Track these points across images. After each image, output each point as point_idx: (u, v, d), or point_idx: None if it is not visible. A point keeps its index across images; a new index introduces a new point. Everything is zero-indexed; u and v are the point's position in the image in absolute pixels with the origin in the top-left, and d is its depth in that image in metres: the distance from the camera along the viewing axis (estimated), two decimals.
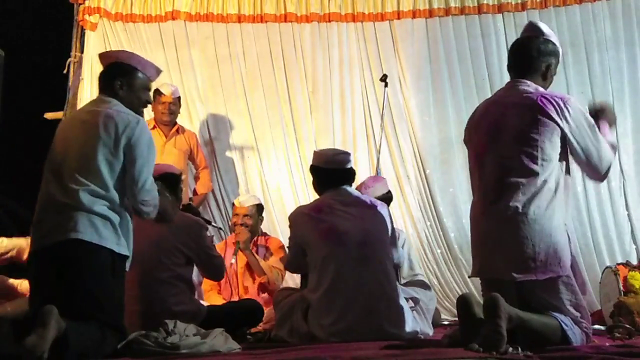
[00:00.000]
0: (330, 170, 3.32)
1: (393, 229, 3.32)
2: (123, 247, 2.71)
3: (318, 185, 3.40)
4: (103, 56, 3.02)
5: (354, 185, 3.53)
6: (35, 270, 2.66)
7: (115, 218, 2.67)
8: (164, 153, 4.65)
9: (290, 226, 3.35)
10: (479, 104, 5.57)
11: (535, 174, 2.57)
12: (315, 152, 3.51)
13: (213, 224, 4.40)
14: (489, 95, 5.42)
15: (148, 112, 4.84)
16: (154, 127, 4.79)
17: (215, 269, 3.46)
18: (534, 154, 2.57)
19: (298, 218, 3.29)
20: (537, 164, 2.57)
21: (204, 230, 3.37)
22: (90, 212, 2.60)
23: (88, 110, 2.86)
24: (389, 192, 4.21)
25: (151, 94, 3.03)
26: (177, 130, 4.88)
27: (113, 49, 5.53)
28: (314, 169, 3.40)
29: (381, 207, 3.32)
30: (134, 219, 3.36)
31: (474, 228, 2.74)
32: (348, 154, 3.44)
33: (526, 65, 2.76)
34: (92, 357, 2.45)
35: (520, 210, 2.55)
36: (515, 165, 2.59)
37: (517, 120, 2.62)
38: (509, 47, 5.79)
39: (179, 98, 4.90)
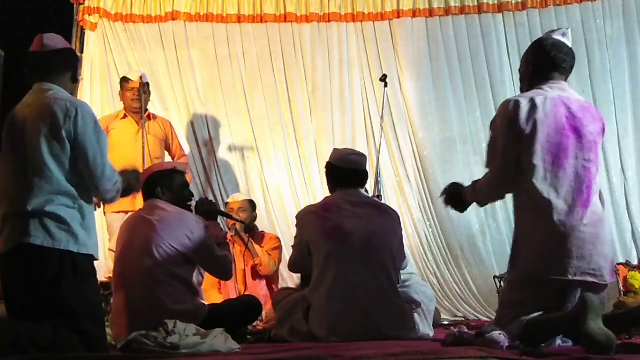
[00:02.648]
0: (341, 169, 3.32)
1: (401, 235, 3.30)
2: (84, 246, 2.61)
3: (329, 183, 3.41)
4: (52, 38, 2.78)
5: None
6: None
7: (72, 216, 2.58)
8: (137, 142, 4.46)
9: (297, 225, 3.34)
10: (479, 103, 5.64)
11: (596, 180, 2.68)
12: (334, 149, 3.52)
13: (235, 216, 4.29)
14: (489, 95, 5.57)
15: (114, 103, 4.82)
16: (124, 117, 4.65)
17: (219, 268, 3.38)
18: (596, 161, 2.69)
19: (306, 216, 3.29)
20: (597, 170, 2.69)
21: (203, 228, 3.26)
22: (42, 215, 2.53)
23: (28, 104, 2.70)
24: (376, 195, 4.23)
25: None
26: (149, 117, 4.69)
27: (113, 49, 5.55)
28: (328, 166, 3.41)
29: (392, 212, 3.31)
30: (128, 220, 3.35)
31: (559, 230, 2.60)
32: (363, 156, 3.43)
33: (570, 73, 2.83)
34: (42, 352, 2.43)
35: (603, 215, 2.66)
36: (593, 170, 2.67)
37: (592, 126, 2.70)
38: (509, 46, 5.78)
39: (147, 84, 4.70)
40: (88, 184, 2.67)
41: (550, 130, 2.64)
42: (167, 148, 4.82)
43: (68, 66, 2.78)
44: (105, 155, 2.70)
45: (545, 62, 2.77)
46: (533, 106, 2.65)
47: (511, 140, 2.66)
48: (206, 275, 4.27)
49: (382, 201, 4.67)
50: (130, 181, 2.91)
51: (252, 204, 4.60)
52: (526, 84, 2.83)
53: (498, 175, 2.72)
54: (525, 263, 2.65)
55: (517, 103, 2.67)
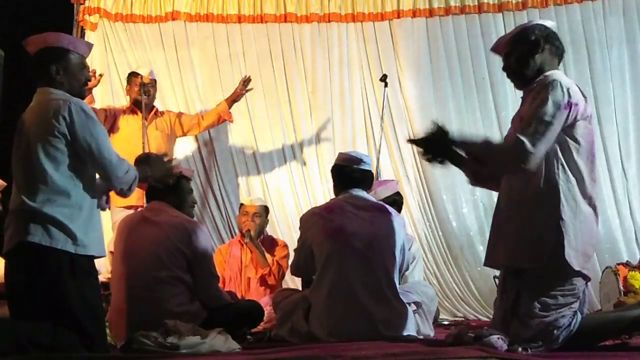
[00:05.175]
0: (341, 167, 3.32)
1: (405, 238, 3.28)
2: (83, 247, 2.59)
3: (334, 186, 3.39)
4: (30, 43, 2.75)
5: None
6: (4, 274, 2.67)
7: (70, 217, 2.57)
8: (144, 136, 4.50)
9: (300, 227, 3.34)
10: (479, 103, 5.64)
11: None
12: (339, 153, 3.51)
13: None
14: (489, 95, 5.58)
15: (114, 103, 4.85)
16: (132, 112, 4.69)
17: (208, 286, 3.26)
18: None
19: (309, 218, 3.29)
20: None
21: (209, 240, 3.32)
22: (41, 216, 2.53)
23: (30, 107, 2.72)
24: (397, 194, 4.10)
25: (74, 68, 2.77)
26: (155, 113, 4.76)
27: (113, 49, 5.55)
28: (332, 168, 3.40)
29: (396, 215, 3.30)
30: (128, 220, 3.35)
31: (596, 223, 2.64)
32: (364, 155, 3.42)
33: None
34: (42, 352, 2.44)
35: None
36: None
37: None
38: None
39: (155, 81, 4.78)
40: (102, 179, 2.69)
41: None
42: (182, 124, 4.84)
43: (45, 66, 2.70)
44: (105, 143, 2.65)
45: (556, 50, 2.70)
46: (583, 95, 2.58)
47: (562, 123, 2.50)
48: None
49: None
50: (159, 166, 2.88)
51: (267, 210, 4.53)
52: (532, 66, 2.66)
53: (539, 152, 2.47)
54: (577, 257, 2.52)
55: (573, 88, 2.54)
